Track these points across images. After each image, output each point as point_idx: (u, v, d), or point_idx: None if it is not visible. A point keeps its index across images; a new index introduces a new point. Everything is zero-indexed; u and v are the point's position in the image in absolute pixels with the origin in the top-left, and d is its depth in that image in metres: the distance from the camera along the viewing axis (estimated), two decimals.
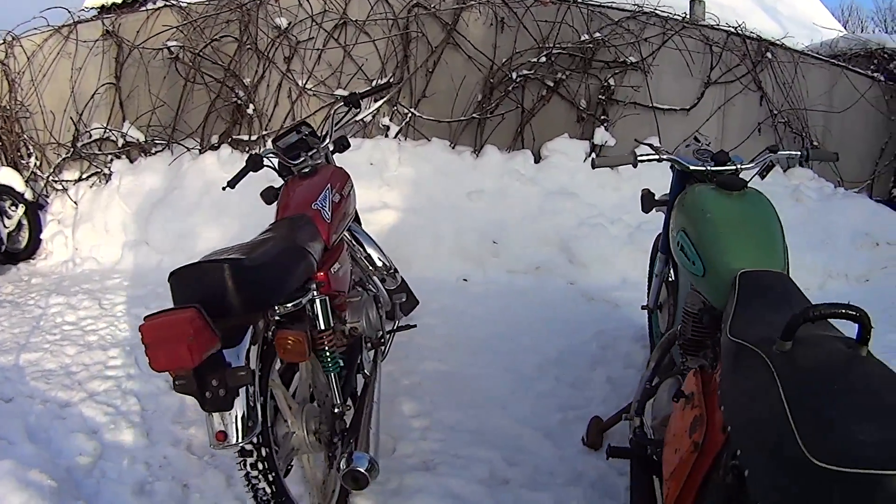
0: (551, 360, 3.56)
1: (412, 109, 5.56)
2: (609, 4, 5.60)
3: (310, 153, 2.87)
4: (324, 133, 3.07)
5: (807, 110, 5.89)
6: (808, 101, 5.91)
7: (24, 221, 5.63)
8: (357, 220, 3.34)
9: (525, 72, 5.43)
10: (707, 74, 5.71)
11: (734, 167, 2.40)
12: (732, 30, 5.75)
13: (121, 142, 5.82)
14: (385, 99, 5.54)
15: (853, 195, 5.83)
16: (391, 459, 2.64)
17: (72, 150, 5.84)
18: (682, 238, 2.29)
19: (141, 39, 5.67)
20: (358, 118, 5.50)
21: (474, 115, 5.49)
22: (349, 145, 3.16)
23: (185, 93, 5.66)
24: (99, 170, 5.81)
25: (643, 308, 3.45)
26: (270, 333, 1.97)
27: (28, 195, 5.65)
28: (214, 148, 5.57)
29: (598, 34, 5.45)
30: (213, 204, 5.26)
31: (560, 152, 5.41)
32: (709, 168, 2.43)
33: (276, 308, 1.97)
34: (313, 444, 2.10)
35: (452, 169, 5.35)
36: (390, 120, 5.62)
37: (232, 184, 2.84)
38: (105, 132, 5.85)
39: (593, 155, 2.43)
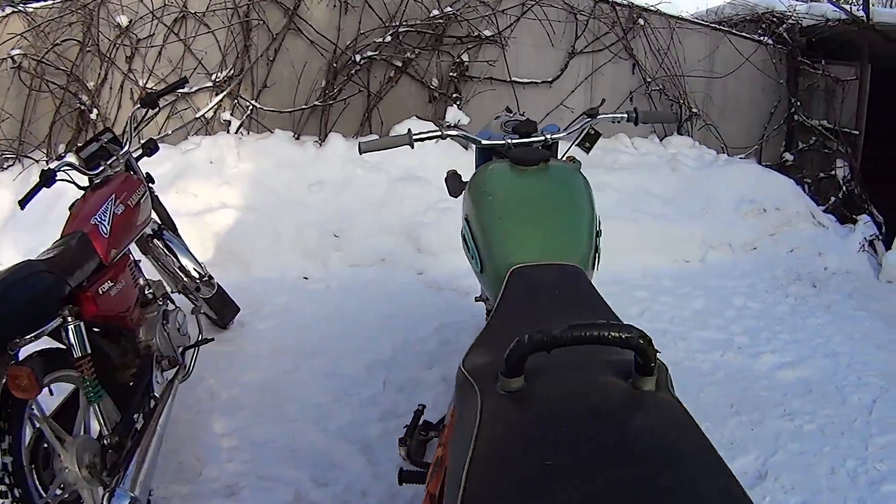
0: (383, 361, 3.14)
1: (253, 101, 5.04)
2: None
3: (109, 162, 2.59)
4: (125, 139, 2.78)
5: (684, 76, 5.29)
6: (687, 67, 5.32)
7: None
8: (172, 226, 3.09)
9: (370, 53, 4.91)
10: (571, 44, 5.15)
11: (541, 138, 1.96)
12: None
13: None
14: (225, 93, 5.03)
15: (737, 161, 5.18)
16: (196, 484, 2.35)
17: None
18: (465, 227, 1.85)
19: None
20: (197, 115, 5.05)
21: (316, 102, 4.97)
22: (157, 148, 2.94)
23: (30, 102, 5.15)
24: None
25: (476, 300, 2.94)
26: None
27: None
28: (61, 158, 5.01)
29: (448, 9, 4.91)
30: (60, 218, 4.65)
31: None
32: (508, 142, 1.95)
33: (17, 341, 1.79)
34: (88, 479, 1.91)
35: (295, 161, 4.80)
36: (231, 114, 5.09)
37: (22, 203, 2.46)
38: None
39: (359, 139, 1.99)
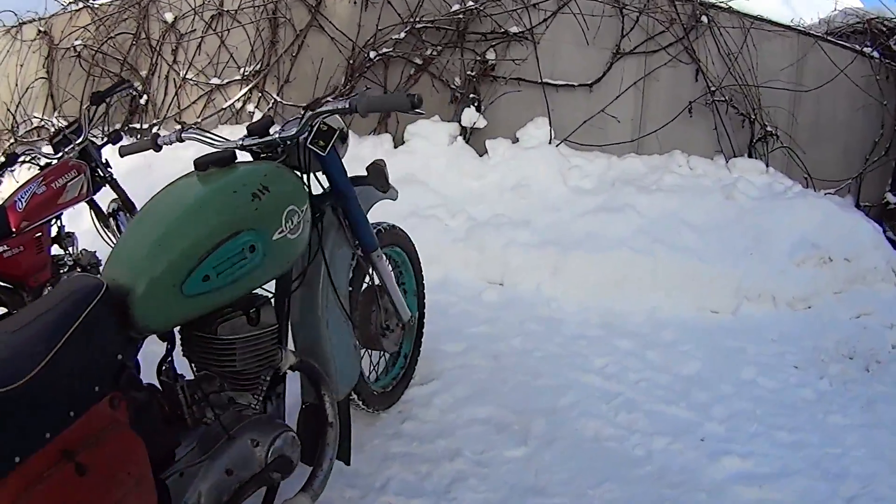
0: None
1: (276, 96, 4.68)
2: None
3: (66, 149, 3.04)
4: (83, 130, 3.15)
5: (758, 87, 4.11)
6: (764, 75, 4.15)
7: None
8: (130, 207, 3.34)
9: (385, 50, 4.32)
10: (616, 43, 4.15)
11: (271, 138, 1.72)
12: None
13: (52, 130, 5.61)
14: (251, 86, 4.73)
15: (810, 195, 3.97)
16: None
17: (13, 138, 5.86)
18: None
19: (63, 38, 5.51)
20: (225, 105, 4.83)
21: (329, 98, 4.40)
22: (121, 137, 3.32)
23: (89, 86, 5.31)
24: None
25: None
26: None
27: None
28: (116, 133, 4.97)
29: (470, 3, 4.17)
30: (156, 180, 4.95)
31: (421, 136, 4.18)
32: (239, 143, 1.73)
33: None
34: None
35: None
36: (256, 107, 4.76)
37: None
38: (41, 121, 5.77)
39: (121, 145, 1.93)
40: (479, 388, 2.51)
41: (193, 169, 1.66)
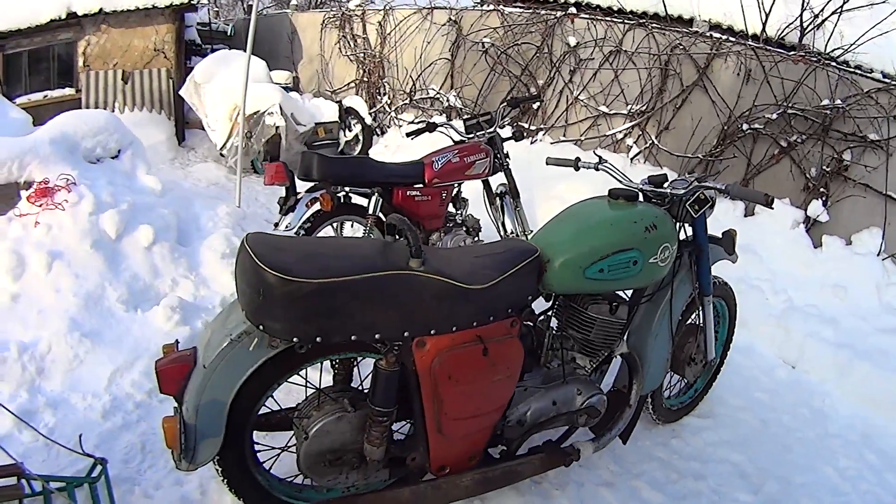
0: None
1: (654, 138, 6.51)
2: (864, 72, 5.67)
3: (477, 133, 4.32)
4: (495, 123, 4.41)
5: None
6: None
7: (360, 137, 8.23)
8: (515, 194, 4.61)
9: (756, 126, 5.89)
10: None
11: (664, 191, 2.71)
12: None
13: (446, 103, 8.04)
14: (634, 123, 6.66)
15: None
16: None
17: (409, 100, 8.38)
18: None
19: (472, 31, 7.79)
20: (607, 133, 6.88)
21: (699, 155, 6.26)
22: (523, 136, 4.67)
23: (489, 79, 7.66)
24: (425, 120, 7.67)
25: None
26: None
27: (368, 120, 8.18)
28: (501, 128, 6.96)
29: (838, 101, 5.53)
30: None
31: (769, 213, 5.71)
32: (640, 186, 2.79)
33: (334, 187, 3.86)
34: None
35: None
36: (634, 143, 6.70)
37: (409, 134, 4.44)
38: (436, 94, 8.19)
39: (548, 156, 3.46)
40: (740, 439, 3.41)
41: (607, 195, 2.55)
